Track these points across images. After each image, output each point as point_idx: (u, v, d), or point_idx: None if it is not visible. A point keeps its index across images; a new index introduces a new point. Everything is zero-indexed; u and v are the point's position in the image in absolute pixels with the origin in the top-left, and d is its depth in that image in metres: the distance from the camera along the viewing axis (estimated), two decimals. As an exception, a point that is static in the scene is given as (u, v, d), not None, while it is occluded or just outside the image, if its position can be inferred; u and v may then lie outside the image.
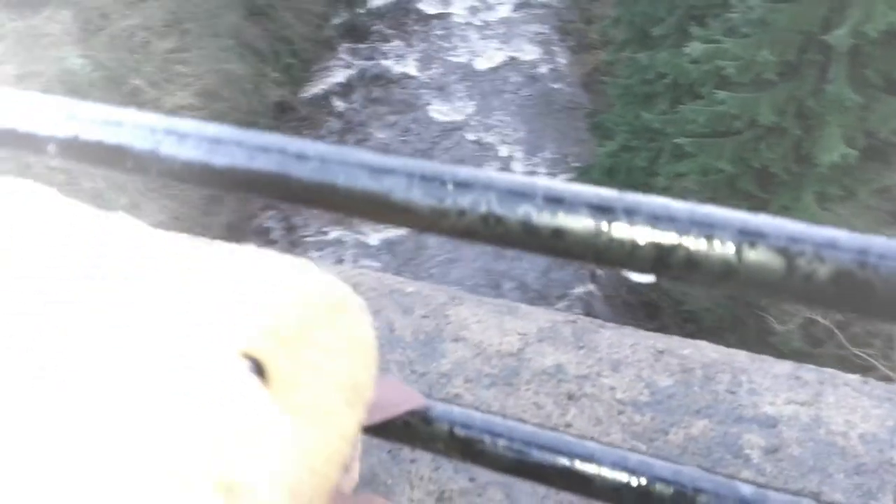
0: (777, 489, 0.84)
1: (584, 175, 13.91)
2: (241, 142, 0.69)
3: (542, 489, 1.23)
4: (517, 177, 0.66)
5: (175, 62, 12.59)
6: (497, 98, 14.19)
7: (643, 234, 0.61)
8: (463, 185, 0.65)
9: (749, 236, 0.59)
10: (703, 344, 1.50)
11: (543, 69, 14.76)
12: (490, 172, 0.65)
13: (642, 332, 1.52)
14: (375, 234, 12.22)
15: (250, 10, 13.73)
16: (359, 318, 0.56)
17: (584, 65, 15.07)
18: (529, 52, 14.98)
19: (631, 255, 0.61)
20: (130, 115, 0.73)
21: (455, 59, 14.59)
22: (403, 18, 15.27)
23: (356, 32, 14.96)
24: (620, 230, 0.61)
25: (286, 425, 0.41)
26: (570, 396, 1.36)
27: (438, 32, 15.07)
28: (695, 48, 12.84)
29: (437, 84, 14.42)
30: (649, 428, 1.29)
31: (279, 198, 0.71)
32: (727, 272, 0.60)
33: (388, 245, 12.13)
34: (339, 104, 14.34)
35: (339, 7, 15.21)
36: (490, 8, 15.84)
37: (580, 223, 0.62)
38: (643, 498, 0.84)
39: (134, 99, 10.94)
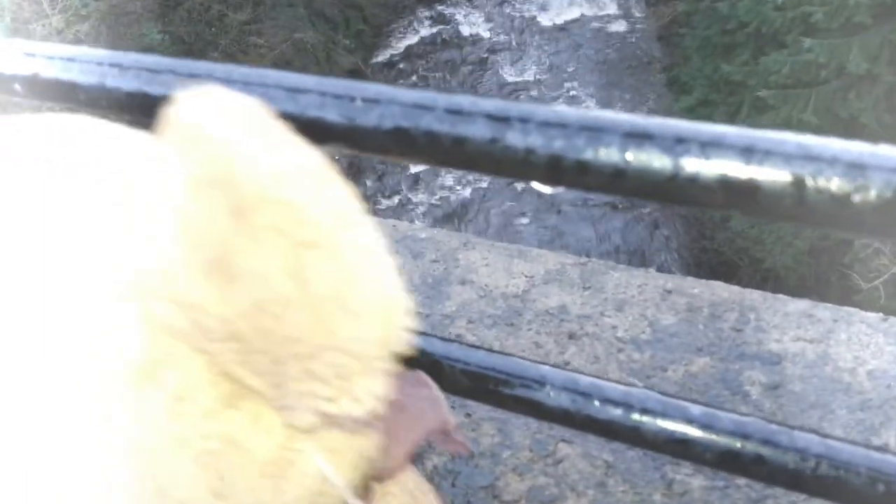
0: (728, 410, 0.83)
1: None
2: (175, 69, 0.73)
3: (534, 424, 1.25)
4: (418, 92, 0.67)
5: (250, 34, 12.90)
6: (569, 55, 13.87)
7: (536, 142, 0.61)
8: (372, 101, 0.66)
9: (636, 139, 0.58)
10: (715, 284, 1.47)
11: (617, 23, 14.30)
12: (394, 89, 0.66)
13: (653, 273, 1.49)
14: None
15: (322, -22, 13.89)
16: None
17: (661, 17, 14.50)
18: (603, 7, 14.53)
19: (525, 163, 0.62)
20: (81, 50, 0.77)
21: (527, 15, 14.31)
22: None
23: (426, -6, 14.90)
24: (515, 139, 0.61)
25: None
26: (571, 335, 1.36)
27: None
28: (780, -7, 12.19)
29: (507, 43, 14.22)
30: (647, 365, 1.27)
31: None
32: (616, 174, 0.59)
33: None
34: (407, 68, 14.37)
35: (410, -30, 15.15)
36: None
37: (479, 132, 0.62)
38: (591, 423, 0.85)
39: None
